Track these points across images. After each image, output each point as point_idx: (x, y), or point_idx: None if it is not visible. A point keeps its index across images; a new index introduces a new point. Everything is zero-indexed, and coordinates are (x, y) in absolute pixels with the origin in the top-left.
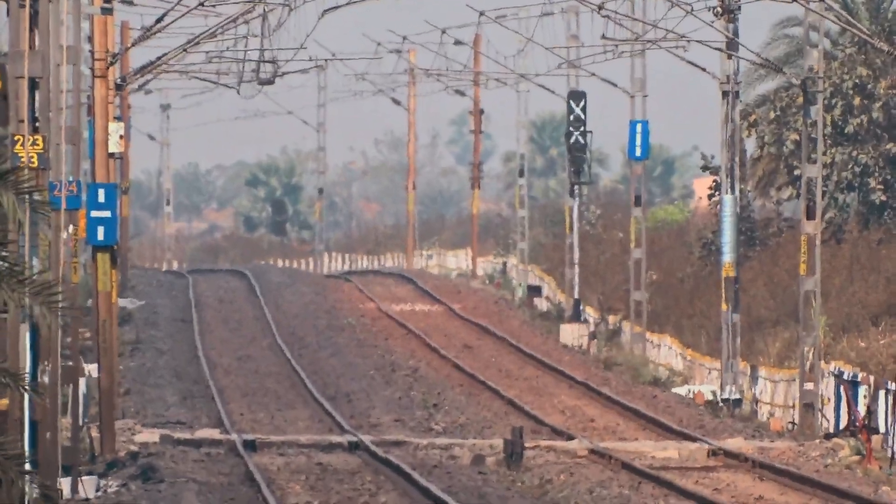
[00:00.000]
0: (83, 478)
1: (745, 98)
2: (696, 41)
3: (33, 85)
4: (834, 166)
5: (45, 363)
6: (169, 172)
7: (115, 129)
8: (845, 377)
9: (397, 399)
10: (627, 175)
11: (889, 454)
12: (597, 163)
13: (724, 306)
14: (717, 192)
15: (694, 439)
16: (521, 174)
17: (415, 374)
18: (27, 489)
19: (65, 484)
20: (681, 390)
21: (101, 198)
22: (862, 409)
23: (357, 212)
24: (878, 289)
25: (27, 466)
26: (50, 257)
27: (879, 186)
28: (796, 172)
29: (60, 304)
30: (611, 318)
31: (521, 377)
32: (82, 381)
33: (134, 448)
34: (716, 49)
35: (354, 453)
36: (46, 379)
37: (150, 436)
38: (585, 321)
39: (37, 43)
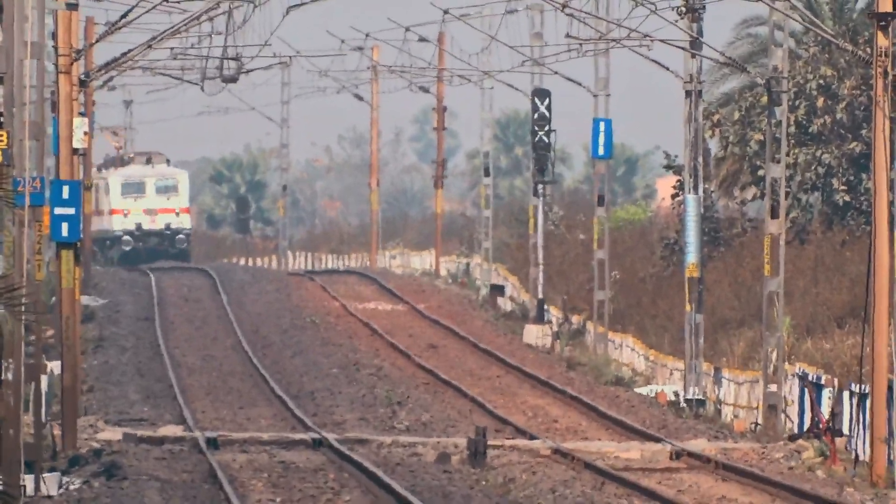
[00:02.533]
0: (45, 475)
1: (708, 97)
2: (660, 40)
3: None
4: (798, 166)
5: (8, 361)
6: None
7: (80, 124)
8: (809, 378)
9: (361, 397)
10: (590, 174)
11: (853, 456)
12: (560, 162)
13: (687, 307)
14: (680, 192)
15: (657, 440)
16: (487, 173)
17: (379, 373)
18: None
19: (27, 480)
20: (643, 390)
21: (65, 194)
22: (826, 411)
23: (320, 210)
24: (843, 290)
25: None
26: (14, 254)
27: (843, 187)
28: (760, 172)
29: (23, 306)
30: (574, 318)
31: (485, 376)
32: (45, 379)
33: (96, 445)
34: (679, 48)
35: (318, 451)
36: (10, 376)
37: (112, 433)
38: (549, 321)
39: (0, 38)
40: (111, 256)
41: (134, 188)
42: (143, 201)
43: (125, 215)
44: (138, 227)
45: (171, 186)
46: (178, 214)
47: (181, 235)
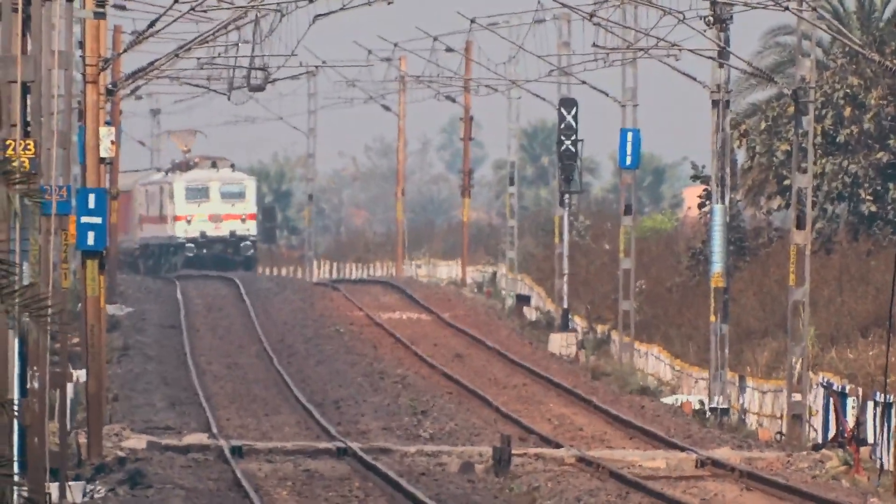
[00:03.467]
0: (71, 483)
1: (735, 107)
2: (688, 50)
3: (25, 89)
4: (824, 176)
5: (34, 369)
6: None
7: (106, 133)
8: (834, 388)
9: (385, 406)
10: (617, 184)
11: (877, 465)
12: (587, 171)
13: (712, 317)
14: (707, 202)
15: (682, 449)
16: (512, 182)
17: (403, 382)
18: (14, 494)
19: (52, 489)
20: (668, 400)
21: (91, 203)
22: (850, 421)
23: (346, 218)
24: (867, 300)
25: (15, 471)
26: (40, 262)
27: (869, 197)
28: (786, 182)
29: (49, 315)
30: (599, 328)
31: (510, 385)
32: (70, 387)
33: (121, 453)
34: (707, 58)
35: (342, 460)
36: (35, 384)
37: (137, 441)
38: (574, 330)
39: (29, 47)
40: (174, 263)
41: (198, 193)
42: (207, 207)
43: (188, 222)
44: (202, 234)
45: (237, 192)
46: (243, 221)
47: (247, 242)
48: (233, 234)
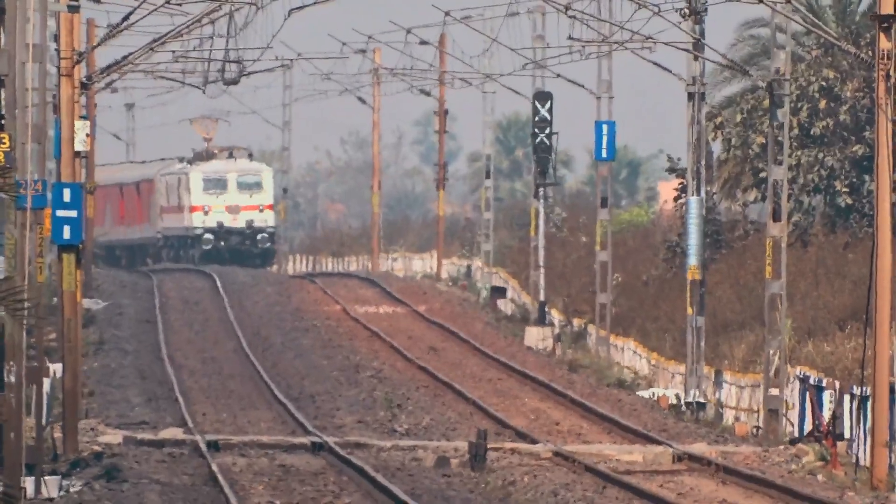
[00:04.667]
0: (46, 477)
1: (710, 100)
2: (663, 43)
3: None
4: (800, 168)
5: (10, 363)
6: None
7: (81, 127)
8: (810, 382)
9: (361, 400)
10: (593, 177)
11: (853, 460)
12: (562, 164)
13: (689, 310)
14: (682, 195)
15: (658, 443)
16: (487, 175)
17: (379, 376)
18: None
19: (28, 483)
20: (645, 394)
21: (67, 197)
22: (827, 415)
23: (322, 213)
24: (844, 293)
25: None
26: (16, 256)
27: (846, 189)
28: (762, 175)
29: (25, 309)
30: (576, 321)
31: (486, 379)
32: (46, 382)
33: (97, 448)
34: (682, 50)
35: (318, 454)
36: (12, 379)
37: (113, 436)
38: (550, 324)
39: (2, 41)
40: (192, 255)
41: (215, 184)
42: (224, 198)
43: (206, 212)
44: (220, 224)
45: (255, 182)
46: (261, 211)
47: (264, 234)
48: (250, 224)
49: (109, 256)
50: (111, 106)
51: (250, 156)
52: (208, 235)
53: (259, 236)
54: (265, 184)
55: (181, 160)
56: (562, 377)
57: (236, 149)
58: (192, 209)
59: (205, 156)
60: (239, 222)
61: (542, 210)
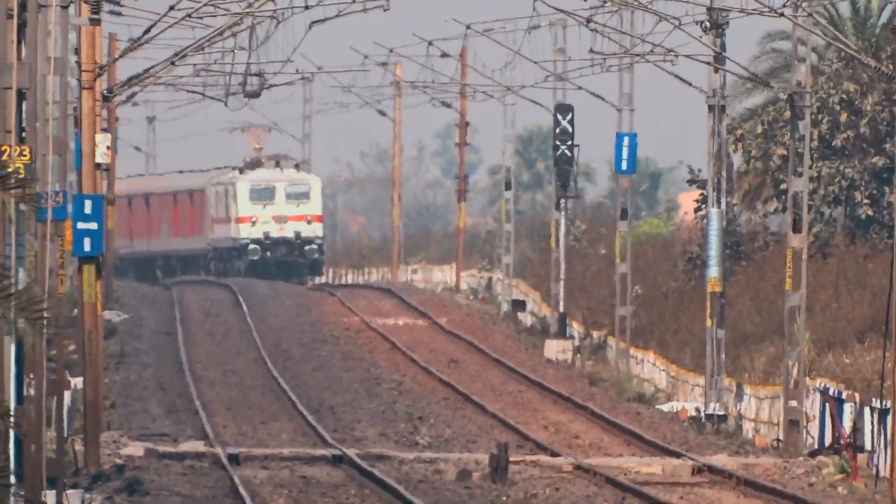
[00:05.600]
0: (68, 491)
1: (731, 112)
2: (684, 55)
3: (21, 96)
4: (820, 180)
5: (30, 376)
6: None
7: (102, 140)
8: (830, 394)
9: (382, 412)
10: (614, 189)
11: (874, 472)
12: (583, 177)
13: (708, 322)
14: (703, 206)
15: (678, 455)
16: (508, 187)
17: (399, 388)
18: (11, 502)
19: (49, 497)
20: (665, 407)
21: (88, 209)
22: (847, 427)
23: (342, 225)
24: (864, 304)
25: (12, 479)
26: (36, 268)
27: (866, 201)
28: (783, 186)
29: (45, 320)
30: (595, 333)
31: (506, 392)
32: (67, 394)
33: (119, 461)
34: (703, 63)
35: (338, 467)
36: (32, 391)
37: (134, 449)
38: (570, 336)
39: (24, 54)
40: (238, 267)
41: (263, 194)
42: (272, 208)
43: (252, 223)
44: (266, 235)
45: (303, 192)
46: (309, 222)
47: (312, 245)
48: (298, 235)
49: (165, 267)
50: (132, 119)
51: (297, 165)
52: (254, 246)
53: (307, 247)
54: (313, 194)
55: (233, 169)
56: (582, 390)
57: (284, 158)
58: (239, 220)
59: (254, 164)
60: (287, 232)
61: (562, 222)
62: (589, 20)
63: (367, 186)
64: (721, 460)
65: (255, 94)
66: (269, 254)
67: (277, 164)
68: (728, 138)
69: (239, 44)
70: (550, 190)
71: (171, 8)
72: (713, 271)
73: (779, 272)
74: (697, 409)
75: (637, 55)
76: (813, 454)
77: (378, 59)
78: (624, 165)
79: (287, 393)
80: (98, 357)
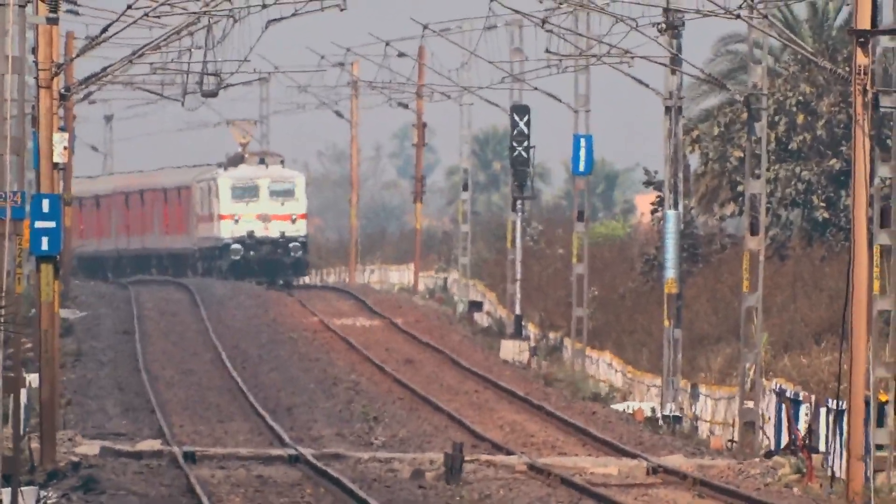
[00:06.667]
0: (23, 488)
1: (688, 114)
2: (640, 57)
3: None
4: (777, 182)
5: None
6: None
7: (60, 139)
8: (787, 395)
9: (338, 412)
10: (570, 190)
11: (829, 473)
12: (539, 177)
13: (665, 322)
14: (659, 208)
15: (633, 456)
16: (465, 188)
17: (356, 388)
18: None
19: (5, 494)
20: (620, 406)
21: (46, 208)
22: (802, 428)
23: None
24: (821, 306)
25: None
26: None
27: (822, 204)
28: (740, 188)
29: (2, 318)
30: (552, 334)
31: (462, 392)
32: (23, 392)
33: (75, 459)
34: (660, 64)
35: (294, 466)
36: None
37: (90, 447)
38: (526, 337)
39: None
40: (219, 266)
41: (246, 192)
42: (255, 206)
43: (235, 221)
44: (250, 234)
45: (287, 190)
46: (293, 221)
47: (296, 244)
48: (282, 234)
49: (159, 266)
50: (89, 117)
51: (282, 162)
52: (236, 246)
53: (291, 245)
54: (298, 192)
55: (219, 165)
56: (537, 390)
57: (269, 154)
58: (221, 217)
59: (237, 160)
60: (271, 232)
61: (518, 223)
62: (545, 21)
63: (324, 187)
64: (676, 461)
65: (212, 94)
66: (252, 253)
67: (262, 161)
68: (685, 140)
69: (196, 43)
70: (507, 191)
71: (129, 7)
72: (670, 273)
73: (735, 274)
74: (653, 410)
75: (593, 56)
76: (768, 455)
77: (335, 59)
78: (581, 167)
79: (244, 393)
80: (54, 355)
